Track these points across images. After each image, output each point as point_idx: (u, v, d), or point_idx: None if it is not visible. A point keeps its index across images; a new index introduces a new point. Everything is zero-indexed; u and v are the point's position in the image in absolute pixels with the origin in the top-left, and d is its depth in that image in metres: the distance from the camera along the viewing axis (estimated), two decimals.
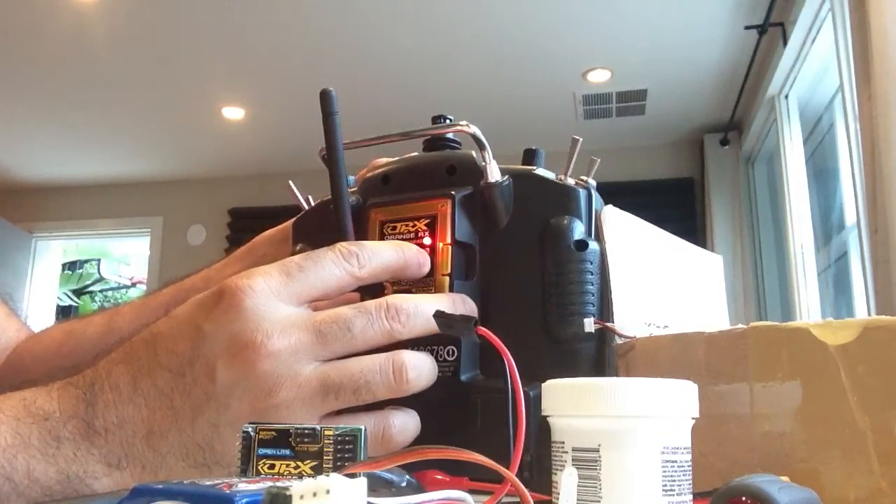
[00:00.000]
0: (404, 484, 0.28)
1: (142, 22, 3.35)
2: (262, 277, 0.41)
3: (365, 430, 0.32)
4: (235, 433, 0.32)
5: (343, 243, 0.45)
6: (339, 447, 0.30)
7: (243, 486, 0.23)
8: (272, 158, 4.71)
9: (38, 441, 0.36)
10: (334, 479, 0.17)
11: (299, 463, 0.30)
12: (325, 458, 0.30)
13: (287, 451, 0.30)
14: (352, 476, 0.19)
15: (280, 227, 0.67)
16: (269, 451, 0.30)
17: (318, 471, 0.29)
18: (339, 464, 0.29)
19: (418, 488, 0.29)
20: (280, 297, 0.41)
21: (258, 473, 0.30)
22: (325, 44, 3.48)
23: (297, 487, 0.17)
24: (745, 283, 3.99)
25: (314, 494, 0.17)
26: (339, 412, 0.42)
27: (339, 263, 0.44)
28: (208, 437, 0.38)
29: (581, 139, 0.51)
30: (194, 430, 0.38)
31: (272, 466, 0.30)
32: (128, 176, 5.19)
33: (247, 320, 0.39)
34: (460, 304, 0.48)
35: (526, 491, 0.29)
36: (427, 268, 0.49)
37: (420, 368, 0.43)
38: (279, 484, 0.22)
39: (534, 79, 3.80)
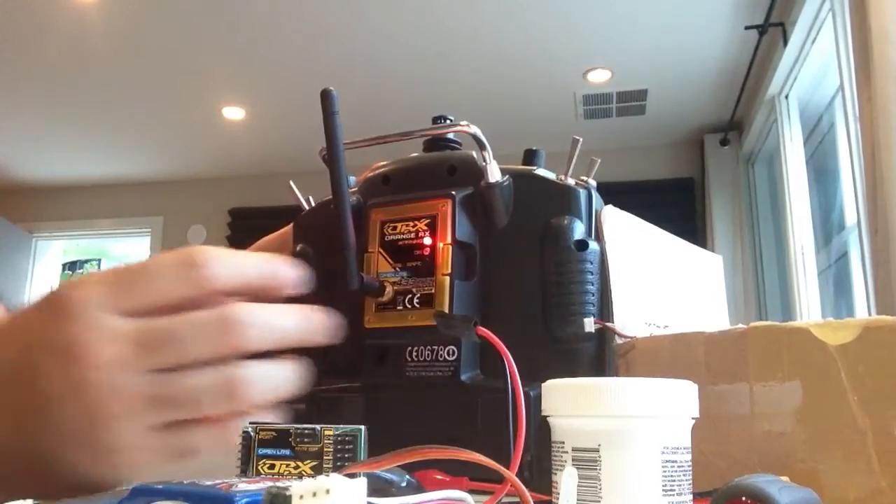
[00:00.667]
0: (404, 484, 0.28)
1: (142, 22, 3.35)
2: (95, 285, 0.39)
3: (365, 430, 0.32)
4: (76, 448, 0.31)
5: (194, 249, 0.41)
6: (338, 447, 0.30)
7: (243, 486, 0.23)
8: (272, 158, 4.71)
9: None
10: (334, 479, 0.17)
11: (299, 463, 0.30)
12: (324, 457, 0.30)
13: (287, 451, 0.30)
14: (352, 476, 0.19)
15: (280, 231, 0.66)
16: (268, 451, 0.30)
17: (317, 471, 0.29)
18: (338, 464, 0.29)
19: (418, 488, 0.29)
20: (108, 307, 0.39)
21: (258, 473, 0.30)
22: (325, 44, 3.48)
23: (297, 487, 0.17)
24: (745, 283, 3.98)
25: (314, 494, 0.16)
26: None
27: (180, 272, 0.40)
28: (46, 450, 0.37)
29: (581, 139, 0.51)
30: (28, 438, 0.37)
31: (272, 466, 0.30)
32: (128, 176, 5.19)
33: (74, 331, 0.38)
34: (315, 318, 0.45)
35: (526, 491, 0.30)
36: (295, 288, 0.46)
37: (262, 383, 0.40)
38: (279, 484, 0.22)
39: (534, 79, 3.80)
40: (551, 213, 0.50)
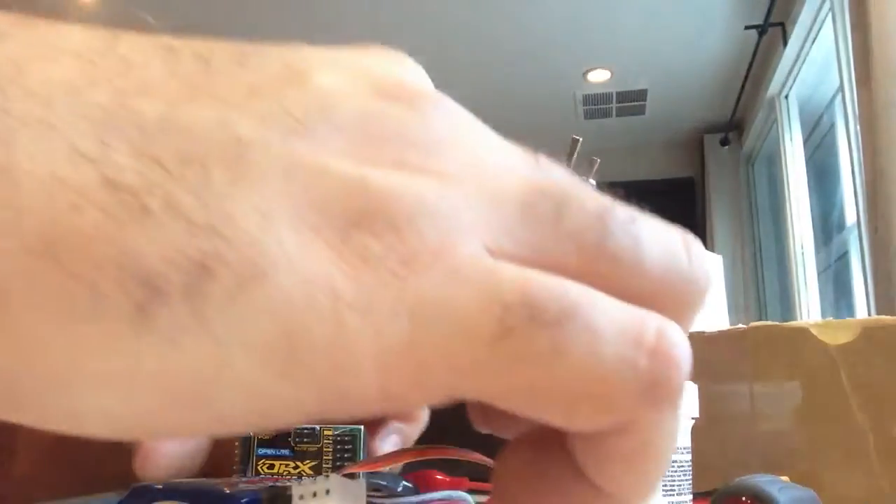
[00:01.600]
0: (400, 489, 0.28)
1: (142, 22, 3.35)
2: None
3: (364, 429, 0.31)
4: (273, 189, 0.14)
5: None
6: (338, 447, 0.30)
7: (244, 486, 0.23)
8: None
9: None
10: (334, 480, 0.17)
11: (298, 463, 0.30)
12: (324, 457, 0.30)
13: (286, 451, 0.30)
14: (351, 476, 0.19)
15: None
16: (268, 451, 0.30)
17: (317, 471, 0.29)
18: (338, 464, 0.29)
19: (415, 491, 0.29)
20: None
21: (257, 473, 0.30)
22: (324, 43, 3.48)
23: (297, 488, 0.17)
24: (745, 283, 3.99)
25: (314, 495, 0.16)
26: None
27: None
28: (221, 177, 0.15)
29: (581, 139, 0.51)
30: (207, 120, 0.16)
31: (271, 466, 0.30)
32: None
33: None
34: None
35: None
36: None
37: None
38: (279, 484, 0.22)
39: (534, 79, 3.80)
40: None
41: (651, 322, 0.14)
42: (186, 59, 0.14)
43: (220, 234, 0.12)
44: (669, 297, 0.15)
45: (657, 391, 0.14)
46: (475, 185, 0.15)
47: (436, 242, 0.14)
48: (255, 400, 0.13)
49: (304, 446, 0.30)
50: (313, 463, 0.30)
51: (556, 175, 0.17)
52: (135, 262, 0.12)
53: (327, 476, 0.17)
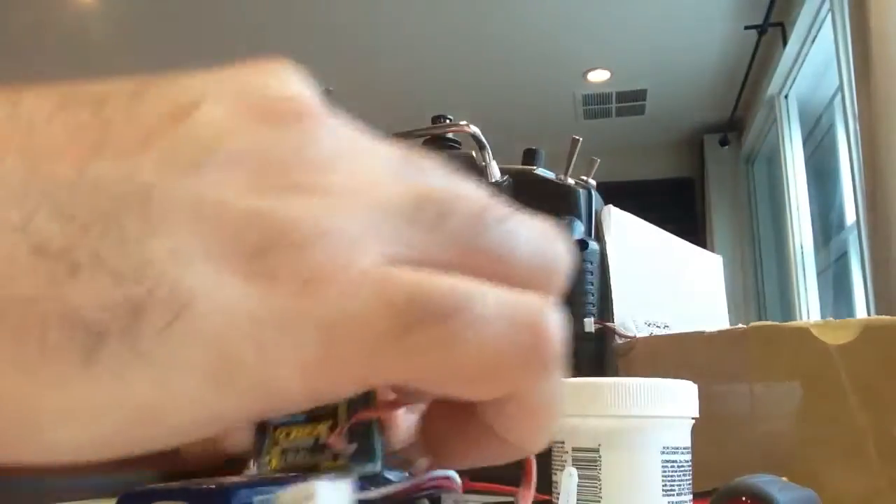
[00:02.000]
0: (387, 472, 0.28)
1: (142, 23, 3.35)
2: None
3: (377, 423, 0.31)
4: (182, 230, 0.15)
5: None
6: (351, 399, 0.29)
7: (238, 482, 0.23)
8: None
9: None
10: (318, 485, 0.17)
11: (315, 425, 0.29)
12: (339, 414, 0.29)
13: (301, 417, 0.30)
14: (363, 427, 0.18)
15: None
16: (282, 420, 0.30)
17: (334, 429, 0.29)
18: (353, 413, 0.28)
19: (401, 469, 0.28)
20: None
21: (276, 444, 0.29)
22: (325, 44, 3.48)
23: (283, 496, 0.17)
24: (745, 283, 3.99)
25: (305, 500, 0.17)
26: None
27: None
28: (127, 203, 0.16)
29: (581, 139, 0.51)
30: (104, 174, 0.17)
31: (288, 434, 0.30)
32: None
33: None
34: None
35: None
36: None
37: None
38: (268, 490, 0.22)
39: (534, 79, 3.80)
40: (551, 213, 0.50)
41: (527, 303, 0.17)
42: (84, 112, 0.15)
43: (144, 277, 0.14)
44: (540, 281, 0.18)
45: (537, 361, 0.17)
46: (364, 198, 0.16)
47: (334, 257, 0.15)
48: (199, 413, 0.15)
49: (317, 409, 0.30)
50: (330, 422, 0.29)
51: (436, 177, 0.18)
52: (74, 314, 0.13)
53: (311, 483, 0.17)
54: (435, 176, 0.18)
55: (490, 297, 0.16)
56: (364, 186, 0.17)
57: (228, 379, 0.14)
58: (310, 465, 0.27)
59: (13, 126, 0.15)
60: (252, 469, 0.27)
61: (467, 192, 0.18)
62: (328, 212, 0.16)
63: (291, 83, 0.18)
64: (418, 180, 0.18)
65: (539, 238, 0.19)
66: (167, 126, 0.16)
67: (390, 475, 0.25)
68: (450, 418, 0.20)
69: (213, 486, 0.23)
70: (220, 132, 0.16)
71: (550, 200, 0.51)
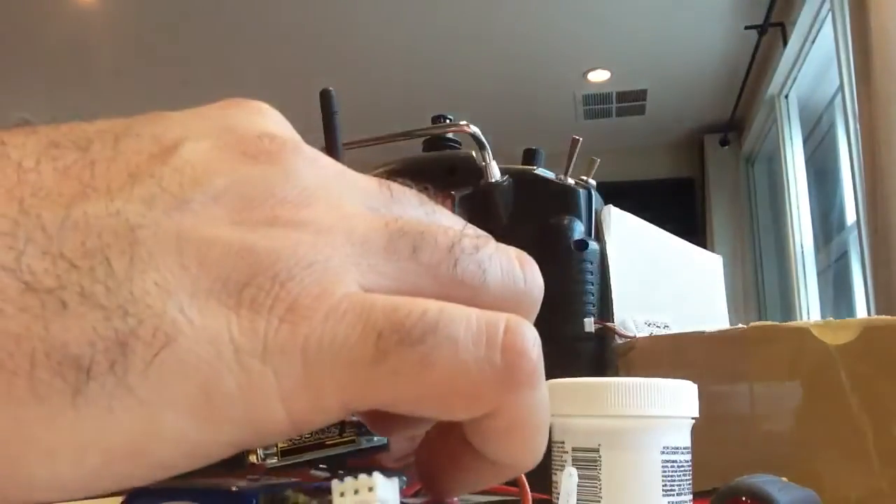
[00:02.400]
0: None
1: (142, 22, 3.35)
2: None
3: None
4: (168, 265, 0.16)
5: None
6: None
7: (250, 483, 0.23)
8: None
9: None
10: (377, 475, 0.17)
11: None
12: None
13: None
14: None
15: None
16: None
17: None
18: None
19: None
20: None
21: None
22: (325, 43, 3.48)
23: (338, 485, 0.17)
24: (745, 283, 3.99)
25: (356, 492, 0.17)
26: None
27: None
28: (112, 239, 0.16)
29: (581, 139, 0.51)
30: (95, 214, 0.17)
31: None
32: None
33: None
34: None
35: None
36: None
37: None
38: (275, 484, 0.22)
39: (534, 79, 3.80)
40: (551, 213, 0.50)
41: (500, 322, 0.17)
42: (71, 154, 0.16)
43: (130, 313, 0.14)
44: (511, 308, 0.18)
45: (514, 379, 0.17)
46: (341, 231, 0.17)
47: (315, 288, 0.16)
48: (184, 445, 0.15)
49: None
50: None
51: (411, 207, 0.19)
52: (63, 350, 0.14)
53: (370, 474, 0.17)
54: (409, 206, 0.19)
55: (465, 319, 0.17)
56: (341, 219, 0.17)
57: (212, 412, 0.15)
58: (316, 442, 0.26)
59: (3, 167, 0.15)
60: (259, 451, 0.27)
61: (440, 224, 0.19)
62: (308, 245, 0.16)
63: (269, 121, 0.19)
64: (393, 213, 0.18)
65: (512, 269, 0.19)
66: (152, 164, 0.16)
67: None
68: (441, 447, 0.20)
69: (228, 488, 0.23)
70: (202, 170, 0.16)
71: (550, 200, 0.51)
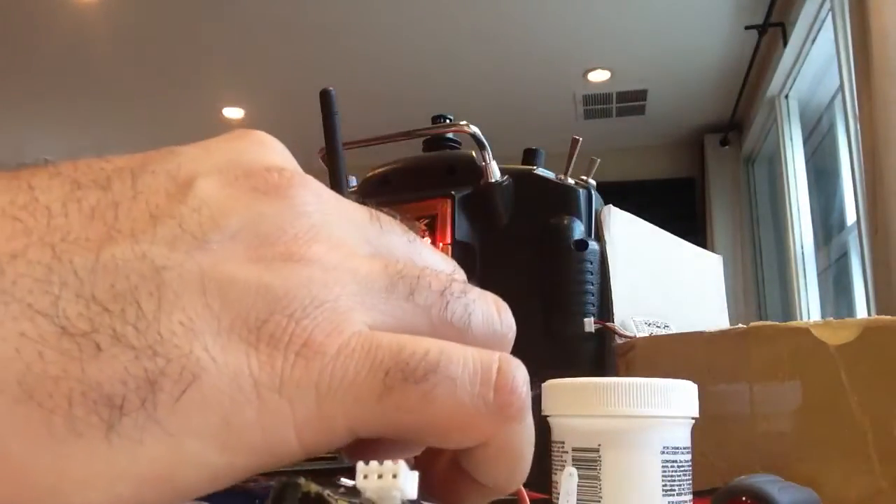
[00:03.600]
0: None
1: (142, 22, 3.35)
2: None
3: None
4: (193, 305, 0.17)
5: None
6: None
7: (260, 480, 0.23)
8: None
9: None
10: (401, 465, 0.18)
11: None
12: None
13: None
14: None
15: None
16: None
17: None
18: None
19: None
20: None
21: None
22: (325, 43, 3.48)
23: (363, 467, 0.18)
24: (745, 283, 3.99)
25: (379, 476, 0.18)
26: None
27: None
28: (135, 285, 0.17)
29: (581, 139, 0.51)
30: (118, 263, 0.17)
31: None
32: None
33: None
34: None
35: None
36: None
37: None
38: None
39: (534, 79, 3.80)
40: (551, 213, 0.50)
41: (493, 363, 0.19)
42: (92, 194, 0.17)
43: (159, 353, 0.15)
44: (490, 347, 0.21)
45: (505, 413, 0.19)
46: (348, 271, 0.19)
47: (327, 326, 0.17)
48: (206, 471, 0.16)
49: None
50: None
51: (396, 237, 0.22)
52: (97, 389, 0.15)
53: (396, 462, 0.18)
54: (395, 236, 0.21)
55: (461, 359, 0.19)
56: (345, 258, 0.19)
57: (234, 440, 0.16)
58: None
59: (31, 214, 0.16)
60: None
61: (432, 267, 0.21)
62: (319, 283, 0.18)
63: (272, 152, 0.21)
64: (389, 251, 0.21)
65: (490, 312, 0.22)
66: (171, 205, 0.17)
67: None
68: (432, 468, 0.22)
69: (234, 485, 0.23)
70: (217, 209, 0.18)
71: (550, 200, 0.51)
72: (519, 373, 0.20)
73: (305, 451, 0.17)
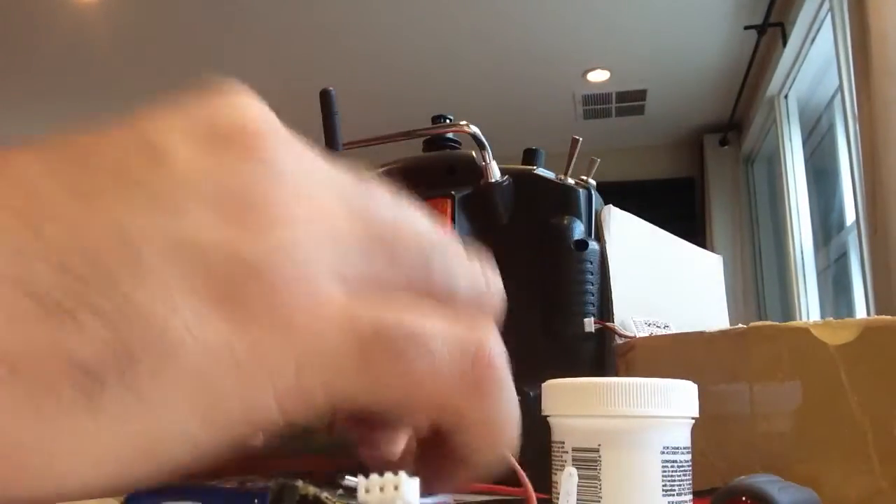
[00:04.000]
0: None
1: (142, 22, 3.35)
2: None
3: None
4: (169, 274, 0.16)
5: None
6: None
7: (252, 483, 0.23)
8: None
9: None
10: (402, 476, 0.18)
11: None
12: None
13: None
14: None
15: None
16: None
17: None
18: None
19: None
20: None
21: None
22: (325, 43, 3.48)
23: (363, 482, 0.18)
24: (745, 283, 3.99)
25: (381, 489, 0.18)
26: None
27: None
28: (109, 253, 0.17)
29: (581, 139, 0.51)
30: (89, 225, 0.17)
31: None
32: None
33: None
34: None
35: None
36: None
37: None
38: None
39: (534, 79, 3.80)
40: (551, 213, 0.50)
41: (471, 336, 0.19)
42: (67, 167, 0.17)
43: (135, 324, 0.15)
44: (475, 308, 0.21)
45: (482, 386, 0.19)
46: (324, 230, 0.18)
47: (304, 295, 0.17)
48: (190, 444, 0.16)
49: None
50: None
51: (385, 206, 0.20)
52: (79, 362, 0.15)
53: (396, 473, 0.18)
54: (383, 204, 0.20)
55: (439, 332, 0.19)
56: (324, 218, 0.18)
57: (214, 413, 0.16)
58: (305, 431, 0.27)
59: (7, 185, 0.16)
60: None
61: (414, 226, 0.21)
62: (298, 246, 0.17)
63: (248, 110, 0.20)
64: (370, 213, 0.20)
65: (475, 274, 0.22)
66: (144, 171, 0.17)
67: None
68: (433, 454, 0.22)
69: (232, 486, 0.23)
70: (192, 172, 0.17)
71: (550, 200, 0.51)
72: (496, 346, 0.20)
73: (286, 420, 0.17)
